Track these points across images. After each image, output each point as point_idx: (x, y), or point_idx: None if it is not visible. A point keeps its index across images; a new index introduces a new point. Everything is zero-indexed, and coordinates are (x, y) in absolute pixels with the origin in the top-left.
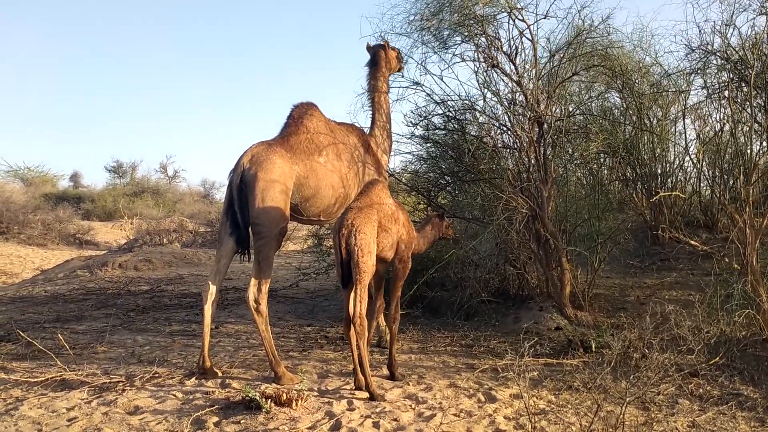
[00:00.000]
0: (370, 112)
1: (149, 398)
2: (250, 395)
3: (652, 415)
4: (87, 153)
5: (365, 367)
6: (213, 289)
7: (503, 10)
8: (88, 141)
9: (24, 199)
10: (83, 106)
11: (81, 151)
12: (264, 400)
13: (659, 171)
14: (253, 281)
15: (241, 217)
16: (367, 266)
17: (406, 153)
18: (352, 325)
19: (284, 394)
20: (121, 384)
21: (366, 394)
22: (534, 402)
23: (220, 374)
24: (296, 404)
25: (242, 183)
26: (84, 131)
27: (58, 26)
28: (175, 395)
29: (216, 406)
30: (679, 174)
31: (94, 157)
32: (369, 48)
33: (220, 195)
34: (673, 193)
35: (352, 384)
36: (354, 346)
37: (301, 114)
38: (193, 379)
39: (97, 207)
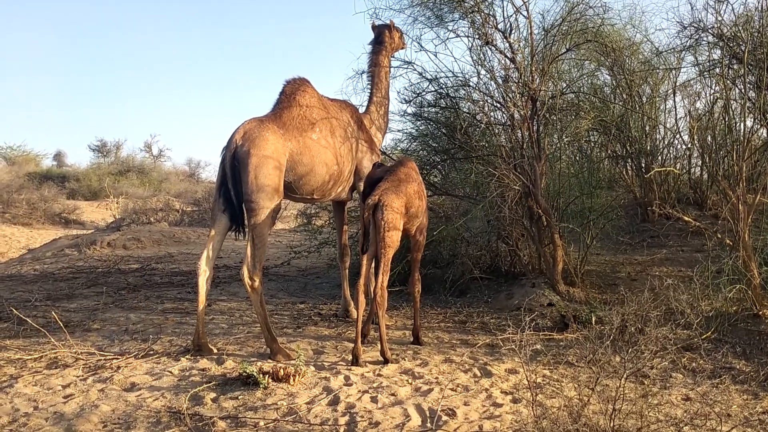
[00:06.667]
0: (369, 89)
1: (145, 375)
2: (247, 371)
3: (647, 389)
4: (69, 132)
5: (383, 335)
6: (207, 266)
7: None
8: (70, 120)
9: (8, 178)
10: (64, 84)
11: (63, 131)
12: (261, 376)
13: (648, 148)
14: (247, 258)
15: (235, 194)
16: (393, 241)
17: (397, 131)
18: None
19: (281, 370)
20: (116, 361)
21: (362, 370)
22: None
23: (215, 351)
24: (294, 380)
25: (235, 160)
26: (66, 110)
27: (39, 3)
28: (171, 372)
29: (213, 383)
30: (669, 151)
31: (76, 136)
32: (374, 27)
33: (206, 174)
34: (668, 168)
35: (350, 357)
36: (358, 315)
37: (293, 90)
38: (189, 355)
39: (82, 186)
